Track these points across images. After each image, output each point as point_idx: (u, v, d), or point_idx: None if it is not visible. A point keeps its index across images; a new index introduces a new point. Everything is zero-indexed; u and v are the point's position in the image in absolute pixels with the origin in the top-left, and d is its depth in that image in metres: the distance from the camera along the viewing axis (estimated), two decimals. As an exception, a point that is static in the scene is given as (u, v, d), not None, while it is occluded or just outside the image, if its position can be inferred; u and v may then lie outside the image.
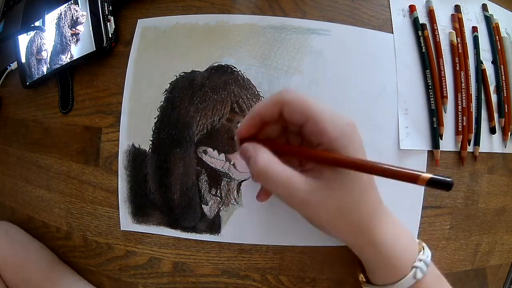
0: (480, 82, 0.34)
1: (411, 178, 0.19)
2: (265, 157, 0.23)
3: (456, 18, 0.34)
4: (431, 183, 0.19)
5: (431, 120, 0.32)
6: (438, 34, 0.33)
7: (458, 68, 0.33)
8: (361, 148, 0.23)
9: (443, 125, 0.32)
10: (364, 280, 0.28)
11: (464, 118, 0.33)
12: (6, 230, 0.37)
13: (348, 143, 0.22)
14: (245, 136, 0.25)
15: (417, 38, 0.33)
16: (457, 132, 0.33)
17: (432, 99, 0.32)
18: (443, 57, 0.33)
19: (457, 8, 0.35)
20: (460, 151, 0.33)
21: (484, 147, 0.34)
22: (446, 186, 0.18)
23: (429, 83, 0.32)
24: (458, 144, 0.33)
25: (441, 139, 0.32)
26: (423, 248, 0.26)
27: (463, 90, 0.33)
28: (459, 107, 0.33)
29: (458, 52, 0.34)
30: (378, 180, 0.31)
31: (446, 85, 0.32)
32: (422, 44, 0.32)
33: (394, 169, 0.20)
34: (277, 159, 0.23)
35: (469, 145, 0.33)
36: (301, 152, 0.25)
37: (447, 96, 0.32)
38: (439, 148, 0.32)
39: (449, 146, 0.33)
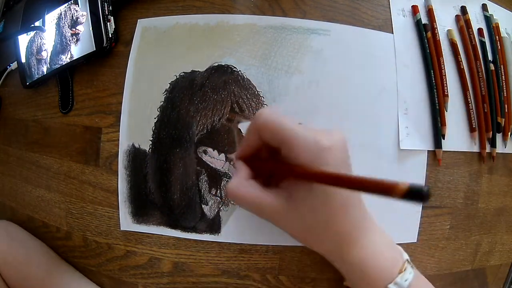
0: (491, 84, 0.34)
1: (386, 188, 0.17)
2: (236, 180, 0.24)
3: (461, 19, 0.35)
4: (408, 194, 0.16)
5: (433, 120, 0.32)
6: (438, 33, 0.33)
7: (462, 67, 0.33)
8: (341, 169, 0.23)
9: (445, 125, 0.32)
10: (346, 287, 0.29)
11: (473, 117, 0.33)
12: (6, 229, 0.37)
13: (321, 167, 0.22)
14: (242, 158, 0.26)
15: (420, 39, 0.33)
16: (471, 129, 0.33)
17: (436, 99, 0.32)
18: (443, 56, 0.33)
19: (463, 9, 0.35)
20: (480, 150, 0.34)
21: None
22: (422, 196, 0.15)
23: (433, 83, 0.32)
24: (474, 141, 0.33)
25: (443, 138, 0.32)
26: (405, 270, 0.25)
27: (480, 87, 0.34)
28: (470, 105, 0.33)
29: (467, 50, 0.34)
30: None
31: (447, 84, 0.32)
32: (426, 45, 0.32)
33: (362, 179, 0.17)
34: (250, 181, 0.24)
35: (488, 143, 0.34)
36: (273, 169, 0.25)
37: (447, 94, 0.32)
38: (441, 148, 0.32)
39: (448, 146, 0.33)
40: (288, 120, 0.23)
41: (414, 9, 0.33)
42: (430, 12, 0.34)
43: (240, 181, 0.24)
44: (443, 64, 0.33)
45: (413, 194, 0.15)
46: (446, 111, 0.32)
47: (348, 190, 0.21)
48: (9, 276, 0.33)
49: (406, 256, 0.26)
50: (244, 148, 0.26)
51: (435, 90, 0.32)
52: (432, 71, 0.32)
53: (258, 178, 0.25)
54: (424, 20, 0.33)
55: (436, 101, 0.32)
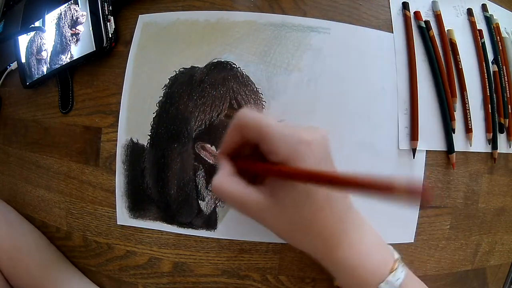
0: (492, 84, 0.34)
1: (383, 187, 0.14)
2: (220, 176, 0.24)
3: (474, 22, 0.35)
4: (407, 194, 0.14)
5: (443, 123, 0.32)
6: (447, 38, 0.34)
7: (461, 67, 0.33)
8: (321, 165, 0.22)
9: (455, 127, 0.32)
10: (336, 286, 0.29)
11: (469, 117, 0.33)
12: (6, 216, 0.36)
13: (300, 162, 0.21)
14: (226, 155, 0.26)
15: (424, 43, 0.33)
16: (467, 130, 0.33)
17: (445, 101, 0.32)
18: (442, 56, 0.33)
19: (469, 11, 0.35)
20: (492, 151, 0.34)
21: (487, 147, 0.34)
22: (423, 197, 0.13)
23: (441, 84, 0.32)
24: (469, 142, 0.33)
25: (453, 142, 0.32)
26: (396, 269, 0.24)
27: (486, 87, 0.34)
28: (467, 105, 0.33)
29: (479, 50, 0.34)
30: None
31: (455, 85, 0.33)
32: (431, 47, 0.33)
33: (346, 176, 0.15)
34: (234, 177, 0.24)
35: (489, 144, 0.34)
36: (255, 167, 0.25)
37: (456, 95, 0.33)
38: (454, 152, 0.32)
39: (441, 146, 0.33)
40: (267, 118, 0.23)
41: (417, 15, 0.33)
42: (438, 18, 0.34)
43: (224, 177, 0.24)
44: (453, 65, 0.33)
45: (412, 194, 0.13)
46: (455, 111, 0.33)
47: (331, 188, 0.20)
48: (4, 265, 0.33)
49: (397, 254, 0.26)
50: (226, 145, 0.26)
51: (443, 92, 0.32)
52: (439, 71, 0.32)
53: (242, 175, 0.25)
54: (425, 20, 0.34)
55: (446, 103, 0.32)
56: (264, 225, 0.25)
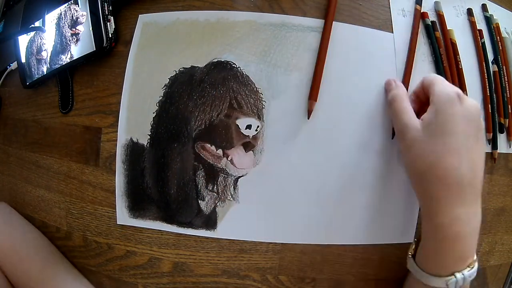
0: (492, 84, 0.34)
1: None
2: (400, 92, 0.29)
3: (474, 23, 0.35)
4: None
5: None
6: (450, 37, 0.33)
7: (460, 67, 0.33)
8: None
9: None
10: (411, 254, 0.29)
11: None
12: (6, 216, 0.36)
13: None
14: None
15: (430, 43, 0.33)
16: None
17: None
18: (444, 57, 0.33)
19: (469, 11, 0.35)
20: (492, 151, 0.34)
21: (487, 147, 0.34)
22: None
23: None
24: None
25: None
26: (473, 266, 0.25)
27: (486, 87, 0.34)
28: None
29: (479, 50, 0.34)
30: (376, 181, 0.31)
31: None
32: (437, 48, 0.33)
33: None
34: (408, 101, 0.29)
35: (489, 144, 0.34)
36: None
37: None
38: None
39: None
40: (439, 78, 0.28)
41: (424, 14, 0.33)
42: (441, 18, 0.34)
43: (403, 96, 0.29)
44: (460, 65, 0.33)
45: None
46: None
47: None
48: (5, 265, 0.33)
49: (475, 255, 0.26)
50: (411, 95, 0.30)
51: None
52: (443, 71, 0.32)
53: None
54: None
55: None
56: (406, 154, 0.27)
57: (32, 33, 0.37)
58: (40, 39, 0.36)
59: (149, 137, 0.32)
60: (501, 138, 0.35)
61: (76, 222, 0.35)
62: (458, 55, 0.33)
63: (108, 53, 0.33)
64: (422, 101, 0.29)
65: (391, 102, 0.29)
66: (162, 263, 0.32)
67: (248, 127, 0.30)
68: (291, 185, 0.31)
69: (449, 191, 0.25)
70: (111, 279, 0.34)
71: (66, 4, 0.34)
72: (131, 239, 0.33)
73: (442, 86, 0.27)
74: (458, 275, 0.24)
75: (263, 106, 0.31)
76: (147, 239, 0.32)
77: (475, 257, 0.26)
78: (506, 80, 0.35)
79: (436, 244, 0.26)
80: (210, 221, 0.31)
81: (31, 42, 0.37)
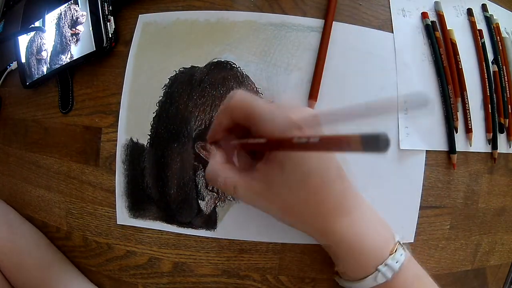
0: (492, 84, 0.34)
1: (341, 142, 0.16)
2: (213, 165, 0.24)
3: (474, 23, 0.35)
4: (364, 144, 0.15)
5: (446, 123, 0.32)
6: (450, 37, 0.33)
7: (461, 67, 0.33)
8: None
9: (457, 127, 0.33)
10: (335, 273, 0.29)
11: (469, 117, 0.33)
12: (6, 216, 0.36)
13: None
14: (215, 141, 0.26)
15: (430, 43, 0.33)
16: (467, 130, 0.33)
17: (449, 102, 0.32)
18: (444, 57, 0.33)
19: (469, 11, 0.35)
20: (492, 151, 0.34)
21: (487, 147, 0.34)
22: (378, 145, 0.14)
23: (445, 84, 0.32)
24: (469, 142, 0.33)
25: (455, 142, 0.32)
26: (395, 251, 0.24)
27: (486, 87, 0.34)
28: (467, 105, 0.33)
29: (479, 50, 0.34)
30: (376, 181, 0.31)
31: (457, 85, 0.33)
32: (437, 48, 0.33)
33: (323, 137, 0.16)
34: (225, 165, 0.24)
35: (489, 144, 0.34)
36: (242, 145, 0.24)
37: (459, 95, 0.33)
38: (455, 153, 0.32)
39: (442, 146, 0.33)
40: (257, 99, 0.23)
41: (423, 14, 0.33)
42: (441, 18, 0.34)
43: (216, 164, 0.24)
44: (460, 65, 0.33)
45: (369, 144, 0.14)
46: (458, 111, 0.33)
47: (314, 152, 0.20)
48: (5, 265, 0.33)
49: (398, 237, 0.25)
50: (215, 128, 0.25)
51: (447, 92, 0.32)
52: (443, 71, 0.32)
53: (230, 163, 0.25)
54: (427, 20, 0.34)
55: (449, 103, 0.32)
56: (259, 209, 0.24)
57: (32, 33, 0.37)
58: (40, 39, 0.36)
59: (149, 137, 0.32)
60: (501, 138, 0.35)
61: (76, 222, 0.35)
62: (458, 55, 0.33)
63: (108, 53, 0.33)
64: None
65: None
66: (162, 263, 0.32)
67: (248, 127, 0.30)
68: (291, 185, 0.31)
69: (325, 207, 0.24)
70: (111, 279, 0.34)
71: (66, 4, 0.34)
72: (131, 239, 0.33)
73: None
74: (381, 267, 0.23)
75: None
76: (147, 239, 0.32)
77: (395, 242, 0.25)
78: (506, 80, 0.35)
79: (344, 256, 0.25)
80: (210, 221, 0.31)
81: (31, 42, 0.37)
